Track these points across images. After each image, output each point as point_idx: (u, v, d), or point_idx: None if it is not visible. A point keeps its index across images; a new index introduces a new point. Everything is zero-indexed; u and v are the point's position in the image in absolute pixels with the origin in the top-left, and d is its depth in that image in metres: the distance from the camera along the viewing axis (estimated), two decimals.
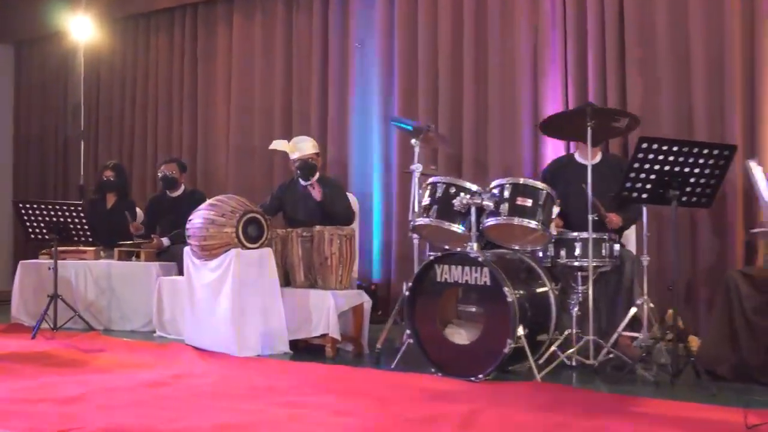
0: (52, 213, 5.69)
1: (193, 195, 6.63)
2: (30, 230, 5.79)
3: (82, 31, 8.14)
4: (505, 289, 3.93)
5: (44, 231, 5.78)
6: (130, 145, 8.57)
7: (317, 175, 5.69)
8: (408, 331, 4.32)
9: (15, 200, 5.90)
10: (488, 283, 4.02)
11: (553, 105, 5.94)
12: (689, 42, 5.41)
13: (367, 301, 5.03)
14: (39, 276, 6.21)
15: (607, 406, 3.44)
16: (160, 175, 6.62)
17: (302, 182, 5.70)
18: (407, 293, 4.32)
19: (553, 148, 5.92)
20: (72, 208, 5.69)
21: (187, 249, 5.22)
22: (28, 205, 5.73)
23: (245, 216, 4.93)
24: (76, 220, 5.69)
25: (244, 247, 4.90)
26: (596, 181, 4.31)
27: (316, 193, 5.34)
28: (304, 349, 5.02)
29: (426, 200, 4.42)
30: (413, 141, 4.76)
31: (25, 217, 5.74)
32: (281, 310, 4.94)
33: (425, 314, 4.25)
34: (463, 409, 3.28)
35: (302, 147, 5.60)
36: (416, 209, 4.64)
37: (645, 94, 5.51)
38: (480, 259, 4.04)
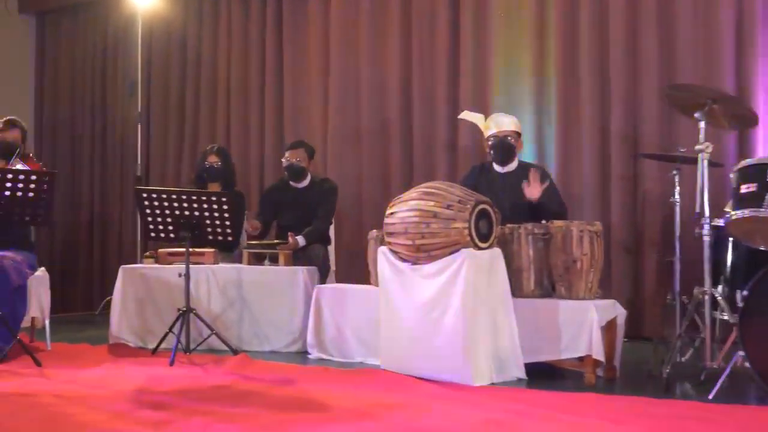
0: (185, 205, 4.51)
1: (324, 185, 5.52)
2: (152, 227, 4.59)
3: None
4: None
5: (170, 228, 4.59)
6: (194, 133, 7.33)
7: (515, 160, 4.69)
8: (741, 353, 3.36)
9: (138, 188, 4.67)
10: None
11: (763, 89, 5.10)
12: None
13: (621, 314, 4.04)
14: (145, 284, 5.01)
15: None
16: (285, 163, 5.47)
17: (498, 169, 4.69)
18: (741, 305, 3.37)
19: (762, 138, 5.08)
20: (214, 198, 4.50)
21: (383, 249, 4.14)
22: (154, 195, 4.52)
23: (477, 207, 3.88)
24: (216, 215, 4.52)
25: (476, 246, 3.85)
26: None
27: (533, 190, 4.35)
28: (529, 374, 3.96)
29: (748, 187, 3.49)
30: (697, 114, 3.79)
31: (148, 210, 4.54)
32: (514, 325, 3.92)
33: (763, 332, 3.31)
34: None
35: (501, 122, 4.60)
36: (704, 199, 3.72)
37: None
38: None
